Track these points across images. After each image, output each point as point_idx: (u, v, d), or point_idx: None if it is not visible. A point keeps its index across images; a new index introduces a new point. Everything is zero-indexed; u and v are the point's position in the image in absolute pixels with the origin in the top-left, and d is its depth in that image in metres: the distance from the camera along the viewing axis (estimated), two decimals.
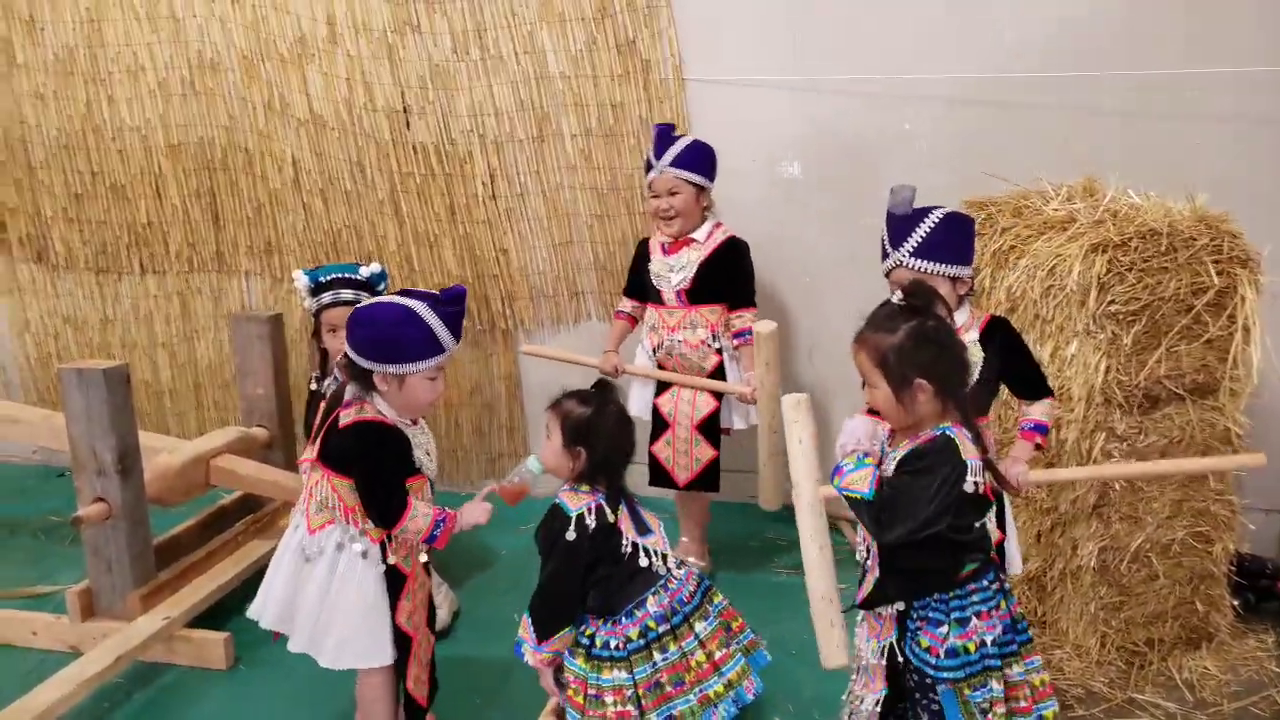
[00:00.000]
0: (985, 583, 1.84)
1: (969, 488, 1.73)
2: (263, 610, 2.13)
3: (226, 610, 2.78)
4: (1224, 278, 2.50)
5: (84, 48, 3.50)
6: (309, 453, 2.16)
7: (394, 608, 2.07)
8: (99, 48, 3.49)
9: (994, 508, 1.84)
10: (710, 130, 3.26)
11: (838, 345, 3.48)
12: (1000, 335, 2.26)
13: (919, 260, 2.17)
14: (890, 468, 1.82)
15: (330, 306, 2.63)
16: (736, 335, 2.95)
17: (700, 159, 2.88)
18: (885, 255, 2.25)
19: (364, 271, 2.68)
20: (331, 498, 2.04)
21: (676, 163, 2.84)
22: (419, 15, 3.23)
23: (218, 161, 3.53)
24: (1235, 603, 2.80)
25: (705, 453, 2.97)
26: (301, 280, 2.67)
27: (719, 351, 2.96)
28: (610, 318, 3.49)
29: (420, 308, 1.96)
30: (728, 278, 2.93)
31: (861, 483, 1.81)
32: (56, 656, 2.58)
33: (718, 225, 2.95)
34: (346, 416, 2.03)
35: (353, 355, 2.00)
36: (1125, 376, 2.54)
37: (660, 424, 3.01)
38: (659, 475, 3.03)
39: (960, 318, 2.24)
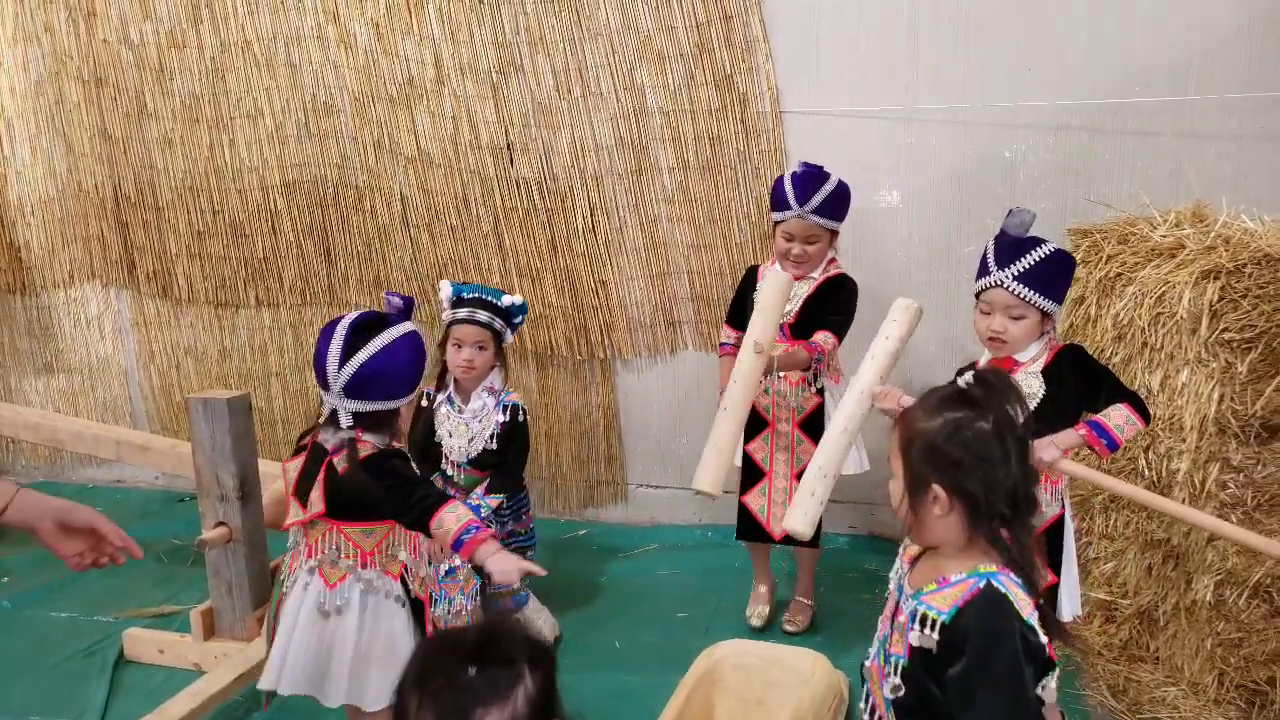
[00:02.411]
0: None
1: (1046, 652, 1.35)
2: (278, 678, 2.01)
3: None
4: None
5: (208, 94, 3.71)
6: (296, 513, 2.03)
7: (423, 634, 2.05)
8: (222, 94, 3.70)
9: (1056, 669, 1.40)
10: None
11: (927, 377, 3.46)
12: (1069, 362, 2.22)
13: (1021, 286, 2.17)
14: (906, 609, 1.41)
15: (463, 323, 2.67)
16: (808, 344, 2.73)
17: (843, 204, 2.77)
18: (984, 272, 2.24)
19: (506, 300, 2.70)
20: (346, 546, 1.99)
21: (822, 210, 2.70)
22: (523, 56, 3.36)
23: (330, 199, 3.70)
24: None
25: None
26: (446, 291, 2.71)
27: (820, 392, 2.83)
28: (707, 347, 3.55)
29: (410, 327, 1.99)
30: (829, 309, 2.79)
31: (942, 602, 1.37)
32: (181, 673, 2.69)
33: (832, 260, 2.85)
34: (343, 461, 1.94)
35: (384, 406, 1.93)
36: (1240, 406, 2.48)
37: (754, 472, 2.85)
38: (751, 528, 2.86)
39: (1029, 353, 2.23)
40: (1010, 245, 2.20)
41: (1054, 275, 2.20)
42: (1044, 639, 1.35)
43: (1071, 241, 2.85)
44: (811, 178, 2.73)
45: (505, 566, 1.84)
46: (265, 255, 3.82)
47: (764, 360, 2.53)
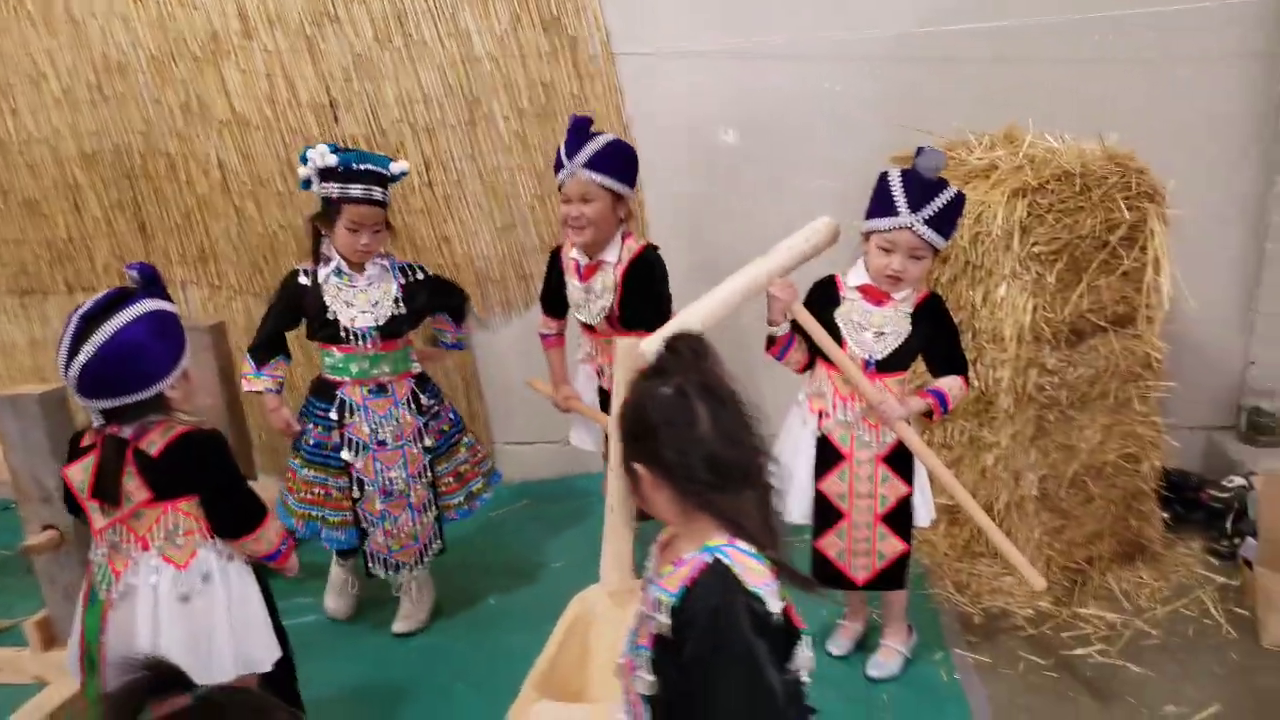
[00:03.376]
0: None
1: (776, 620, 1.26)
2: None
3: None
4: (1134, 213, 2.66)
5: None
6: (106, 515, 1.90)
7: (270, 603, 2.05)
8: None
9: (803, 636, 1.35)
10: (644, 103, 3.29)
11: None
12: (934, 311, 2.34)
13: (929, 229, 2.19)
14: (652, 598, 1.32)
15: (361, 202, 2.47)
16: None
17: (619, 162, 2.54)
18: (888, 212, 2.20)
19: (396, 168, 2.53)
20: (185, 522, 1.90)
21: (591, 164, 2.49)
22: (335, 5, 3.17)
23: (138, 169, 3.42)
24: (1165, 516, 3.01)
25: None
26: (327, 159, 2.44)
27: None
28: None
29: (151, 305, 1.83)
30: (643, 302, 2.58)
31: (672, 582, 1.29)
32: (21, 690, 2.52)
33: (627, 237, 2.62)
34: (153, 443, 1.85)
35: (130, 399, 1.81)
36: (1052, 314, 2.68)
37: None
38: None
39: (901, 292, 2.31)
40: (921, 187, 2.19)
41: (953, 217, 2.25)
42: (778, 607, 1.26)
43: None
44: (578, 129, 2.54)
45: (293, 567, 2.08)
46: (70, 235, 3.51)
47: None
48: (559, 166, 2.58)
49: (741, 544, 1.27)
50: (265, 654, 1.98)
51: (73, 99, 3.37)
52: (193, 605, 1.90)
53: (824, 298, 2.38)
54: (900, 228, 2.20)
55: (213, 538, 1.93)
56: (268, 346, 2.64)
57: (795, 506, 2.44)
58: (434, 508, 2.74)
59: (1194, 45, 3.13)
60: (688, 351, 1.30)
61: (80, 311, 1.80)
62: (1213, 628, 2.64)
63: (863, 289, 2.33)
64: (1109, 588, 2.83)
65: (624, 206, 2.60)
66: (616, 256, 2.61)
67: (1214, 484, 3.10)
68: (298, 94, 3.26)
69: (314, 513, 2.69)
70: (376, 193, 2.49)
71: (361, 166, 2.47)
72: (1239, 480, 3.02)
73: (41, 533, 2.49)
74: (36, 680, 2.57)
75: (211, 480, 1.91)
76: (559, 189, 2.61)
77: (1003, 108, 3.00)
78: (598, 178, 2.51)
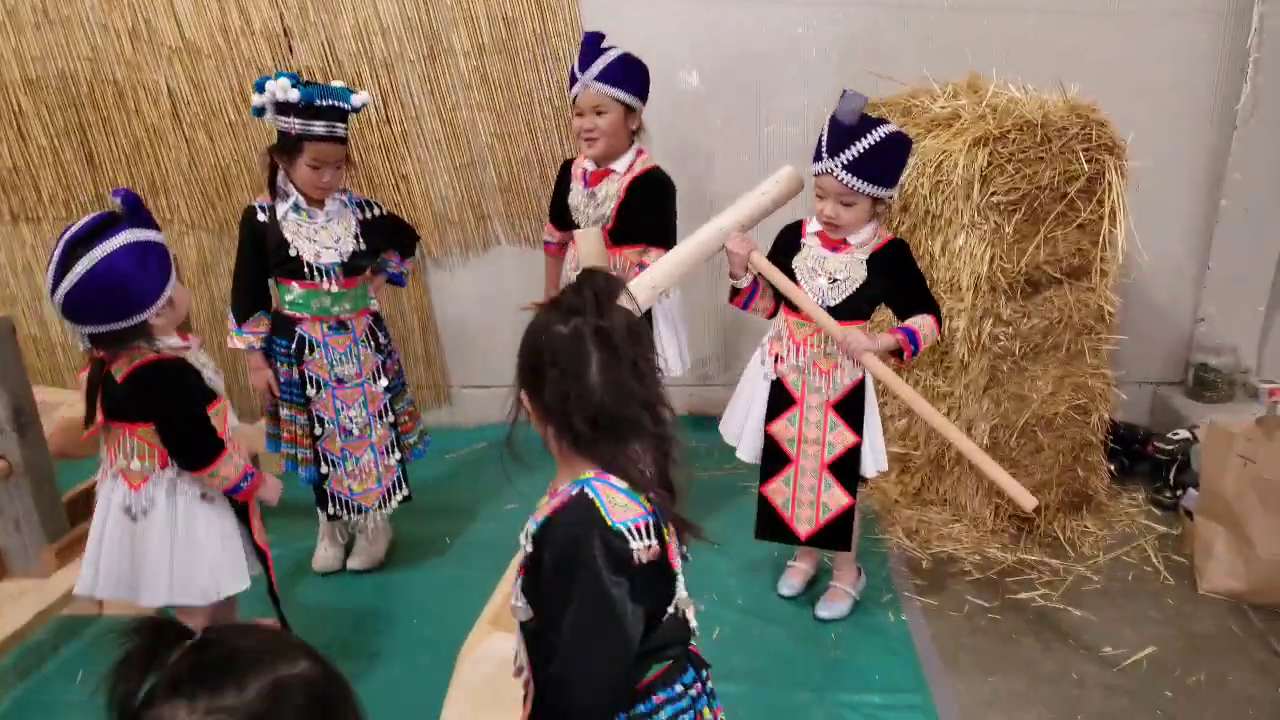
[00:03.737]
0: (679, 688, 1.32)
1: (637, 557, 1.20)
2: (93, 584, 2.03)
3: None
4: (1093, 165, 2.66)
5: None
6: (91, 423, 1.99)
7: (250, 528, 2.11)
8: None
9: (680, 578, 1.31)
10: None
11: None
12: (893, 257, 2.29)
13: (849, 175, 2.15)
14: (526, 527, 1.29)
15: (324, 139, 2.40)
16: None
17: (631, 74, 2.62)
18: (817, 157, 2.21)
19: (358, 100, 2.44)
20: (141, 448, 1.96)
21: (603, 77, 2.58)
22: None
23: (84, 97, 3.31)
24: (1111, 467, 3.07)
25: None
26: (289, 93, 2.34)
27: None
28: (520, 241, 3.49)
29: (135, 234, 1.84)
30: (645, 214, 2.68)
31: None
32: None
33: (640, 153, 2.71)
34: (120, 369, 1.91)
35: (118, 325, 1.85)
36: (1009, 264, 2.70)
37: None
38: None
39: (860, 236, 2.28)
40: (842, 132, 2.14)
41: (885, 160, 2.17)
42: (641, 545, 1.21)
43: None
44: (590, 45, 2.63)
45: (268, 496, 2.10)
46: (15, 164, 3.40)
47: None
48: (572, 81, 2.65)
49: (614, 479, 1.23)
50: (201, 592, 2.02)
51: (17, 22, 3.24)
52: (136, 526, 1.99)
53: (787, 244, 2.37)
54: (823, 173, 2.20)
55: (169, 467, 1.98)
56: (246, 301, 2.57)
57: (746, 446, 2.47)
58: (397, 450, 2.73)
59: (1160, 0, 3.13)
60: (591, 292, 1.22)
61: (66, 236, 1.83)
62: (1152, 574, 2.72)
63: (820, 235, 2.32)
64: (1054, 535, 2.89)
65: (635, 119, 2.67)
66: (626, 166, 2.68)
67: (1160, 437, 3.16)
68: (251, 22, 3.16)
69: (288, 449, 2.68)
70: (339, 129, 2.42)
71: (325, 103, 2.38)
72: (1183, 433, 3.08)
73: None
74: None
75: (162, 411, 1.94)
76: (571, 103, 2.68)
77: (966, 57, 2.98)
78: (610, 90, 2.60)
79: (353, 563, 2.80)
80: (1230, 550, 2.58)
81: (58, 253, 1.82)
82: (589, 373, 1.20)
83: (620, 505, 1.22)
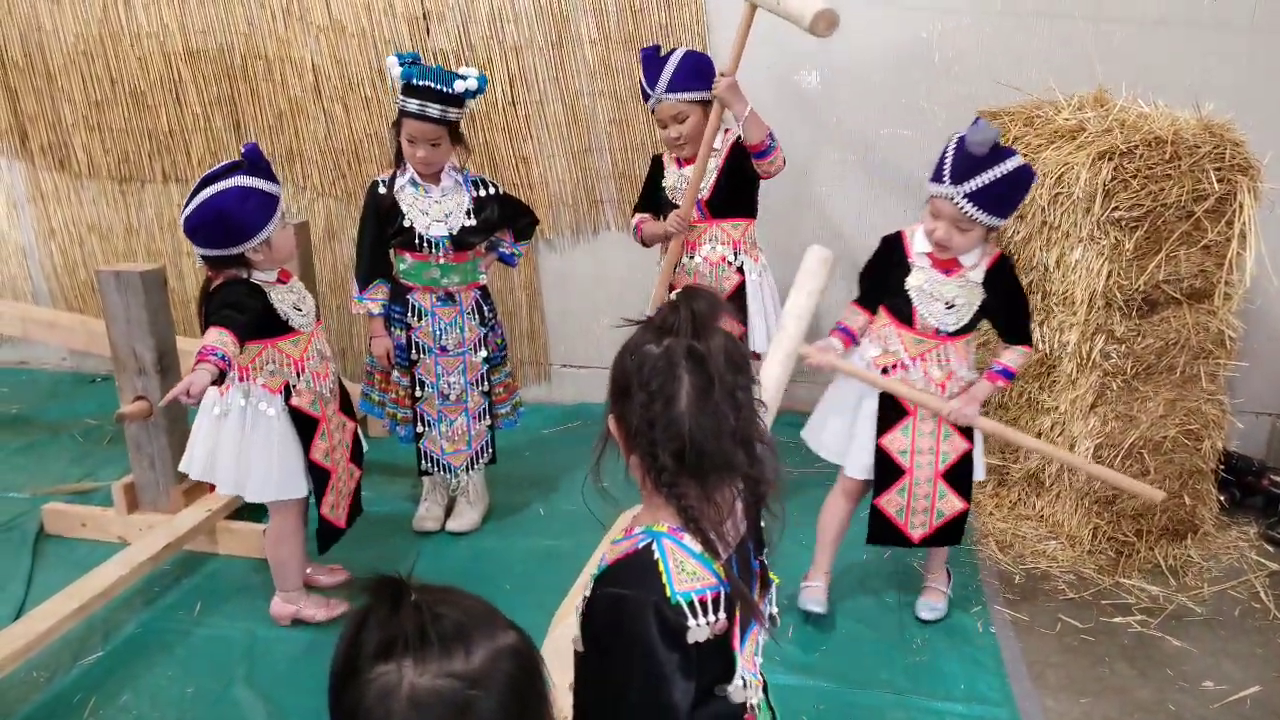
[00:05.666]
0: None
1: (694, 636, 1.10)
2: (190, 463, 2.36)
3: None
4: (1224, 185, 2.58)
5: None
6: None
7: (309, 446, 2.33)
8: None
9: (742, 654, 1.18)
10: (729, 36, 3.25)
11: (852, 256, 3.55)
12: (1001, 273, 2.29)
13: (969, 205, 2.13)
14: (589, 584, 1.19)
15: (414, 117, 2.51)
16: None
17: (698, 73, 2.67)
18: (937, 178, 2.18)
19: (459, 86, 2.50)
20: (230, 349, 2.18)
21: (673, 87, 2.65)
22: None
23: (237, 69, 3.53)
24: (1222, 498, 2.97)
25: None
26: (393, 70, 2.52)
27: (740, 270, 2.81)
28: (629, 227, 3.55)
29: (244, 180, 2.11)
30: (743, 181, 2.76)
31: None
32: (105, 547, 2.71)
33: (727, 131, 2.77)
34: (213, 284, 2.23)
35: (221, 252, 2.15)
36: (1126, 281, 2.64)
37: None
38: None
39: (971, 257, 2.27)
40: (970, 161, 2.12)
41: (1007, 193, 2.15)
42: (702, 620, 1.09)
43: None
44: (650, 60, 2.70)
45: (191, 381, 2.00)
46: (170, 128, 3.65)
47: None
48: (646, 96, 2.73)
49: (688, 539, 1.12)
50: (255, 491, 2.32)
51: None
52: (218, 424, 2.30)
53: (891, 260, 2.35)
54: (943, 197, 2.16)
55: (243, 380, 2.26)
56: (367, 268, 2.71)
57: (856, 462, 2.45)
58: (488, 417, 2.85)
59: None
60: (689, 311, 1.10)
61: (205, 174, 2.16)
62: (1260, 612, 2.62)
63: (931, 256, 2.29)
64: (1155, 562, 2.81)
65: (709, 107, 2.69)
66: (720, 143, 2.74)
67: (1277, 470, 3.04)
68: (393, 3, 3.32)
69: (391, 409, 2.85)
70: (431, 109, 2.49)
71: (420, 82, 2.49)
72: None
73: (134, 402, 2.64)
74: (119, 540, 2.77)
75: (209, 309, 2.21)
76: (652, 114, 2.77)
77: (1095, 69, 2.92)
78: (684, 96, 2.67)
79: (452, 524, 2.93)
80: None
81: (194, 186, 2.14)
82: (679, 398, 1.08)
83: (688, 573, 1.10)
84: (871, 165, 3.39)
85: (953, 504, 2.40)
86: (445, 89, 2.49)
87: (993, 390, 2.33)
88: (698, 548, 1.12)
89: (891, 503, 2.42)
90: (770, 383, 2.33)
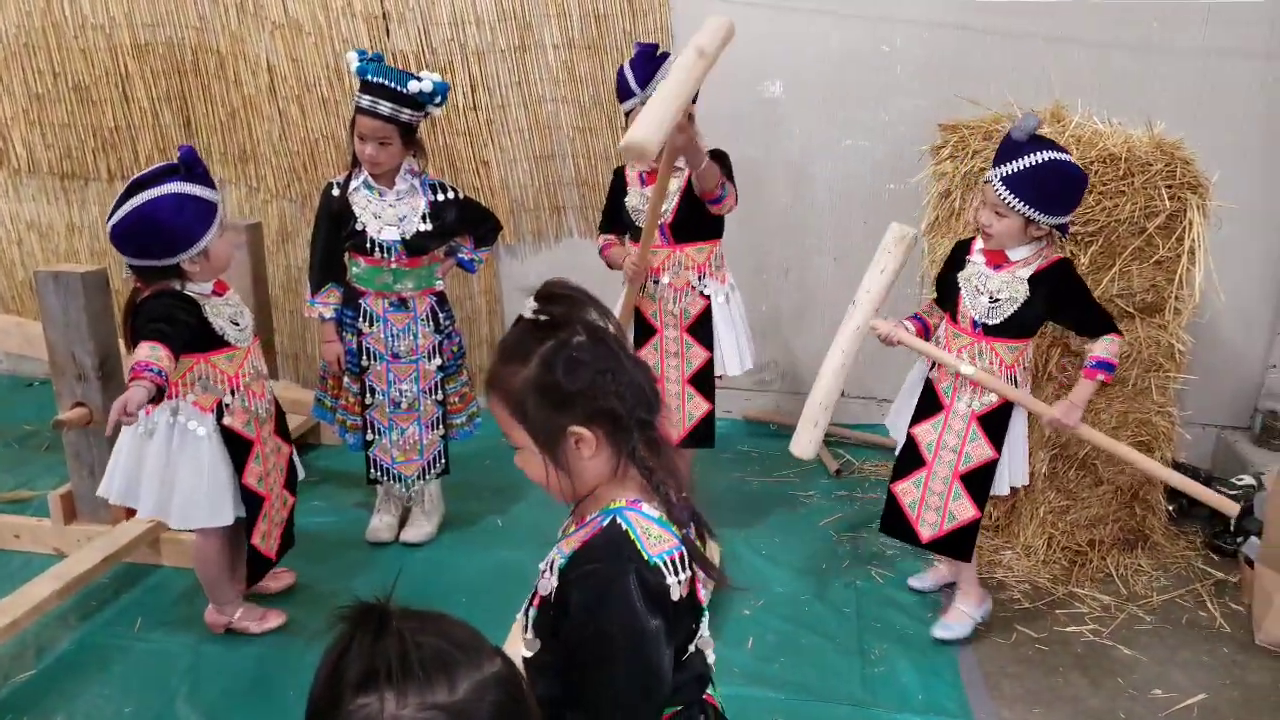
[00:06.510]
0: None
1: (674, 593, 1.13)
2: (109, 487, 2.24)
3: None
4: (1175, 202, 2.63)
5: None
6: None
7: (242, 470, 2.23)
8: None
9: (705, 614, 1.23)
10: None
11: (814, 264, 3.58)
12: (1057, 277, 2.27)
13: (1004, 188, 2.17)
14: (549, 556, 1.20)
15: (365, 113, 2.47)
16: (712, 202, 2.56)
17: None
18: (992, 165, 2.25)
19: (414, 87, 2.45)
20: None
21: None
22: None
23: (188, 64, 3.44)
24: (1170, 508, 3.02)
25: (699, 407, 2.76)
26: (354, 63, 2.48)
27: (705, 295, 2.70)
28: (592, 233, 3.52)
29: (181, 186, 2.01)
30: (705, 212, 2.61)
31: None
32: (40, 559, 2.62)
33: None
34: (140, 297, 2.11)
35: (152, 263, 2.04)
36: None
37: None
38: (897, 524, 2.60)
39: (1020, 253, 2.27)
40: (1010, 146, 2.18)
41: (1043, 184, 2.15)
42: (677, 578, 1.13)
43: (941, 136, 2.96)
44: (645, 57, 2.54)
45: (128, 399, 1.92)
46: (117, 124, 3.54)
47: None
48: (626, 93, 2.54)
49: (645, 507, 1.15)
50: (179, 517, 2.21)
51: None
52: (143, 444, 2.18)
53: (955, 260, 2.40)
54: (987, 180, 2.24)
55: (171, 398, 2.15)
56: (319, 271, 2.66)
57: (892, 424, 2.60)
58: (442, 426, 2.79)
59: (1247, 39, 3.09)
60: (570, 294, 1.16)
61: (135, 176, 2.04)
62: (1207, 620, 2.67)
63: (986, 251, 2.33)
64: (1107, 571, 2.85)
65: (691, 124, 2.55)
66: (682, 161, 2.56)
67: (1223, 481, 3.10)
68: (352, 2, 3.26)
69: (341, 415, 2.79)
70: (383, 106, 2.45)
71: (375, 79, 2.46)
72: (1248, 479, 3.03)
73: (73, 409, 2.54)
74: (56, 552, 2.67)
75: (137, 322, 2.09)
76: (626, 115, 2.57)
77: (1053, 87, 2.97)
78: None
79: (407, 535, 2.86)
80: None
81: (124, 189, 2.02)
82: (624, 364, 1.14)
83: (655, 537, 1.13)
84: (833, 177, 3.41)
85: (966, 509, 2.39)
86: (398, 88, 2.45)
87: (1093, 388, 2.29)
88: (656, 513, 1.15)
89: (907, 492, 2.46)
90: (837, 354, 2.40)
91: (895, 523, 2.50)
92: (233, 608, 2.41)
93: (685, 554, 1.15)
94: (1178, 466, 3.07)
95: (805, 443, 2.46)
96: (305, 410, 3.11)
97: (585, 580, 1.12)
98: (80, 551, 2.51)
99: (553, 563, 1.18)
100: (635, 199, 2.70)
